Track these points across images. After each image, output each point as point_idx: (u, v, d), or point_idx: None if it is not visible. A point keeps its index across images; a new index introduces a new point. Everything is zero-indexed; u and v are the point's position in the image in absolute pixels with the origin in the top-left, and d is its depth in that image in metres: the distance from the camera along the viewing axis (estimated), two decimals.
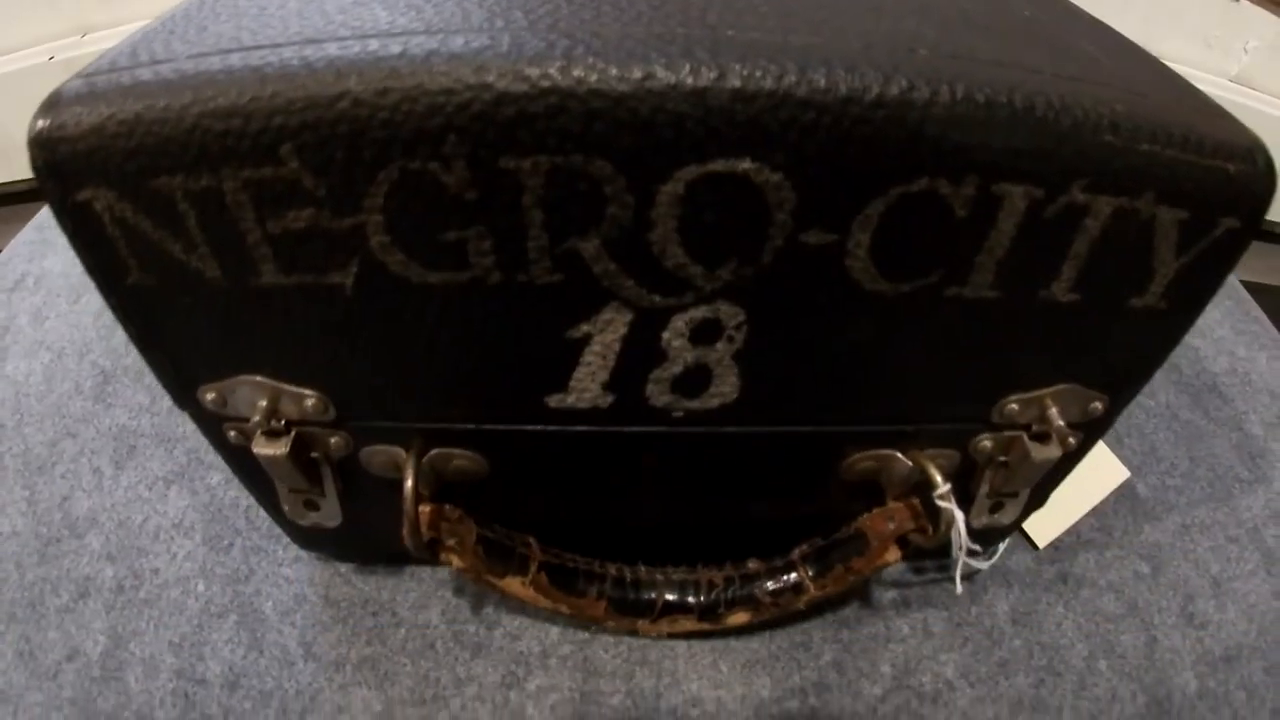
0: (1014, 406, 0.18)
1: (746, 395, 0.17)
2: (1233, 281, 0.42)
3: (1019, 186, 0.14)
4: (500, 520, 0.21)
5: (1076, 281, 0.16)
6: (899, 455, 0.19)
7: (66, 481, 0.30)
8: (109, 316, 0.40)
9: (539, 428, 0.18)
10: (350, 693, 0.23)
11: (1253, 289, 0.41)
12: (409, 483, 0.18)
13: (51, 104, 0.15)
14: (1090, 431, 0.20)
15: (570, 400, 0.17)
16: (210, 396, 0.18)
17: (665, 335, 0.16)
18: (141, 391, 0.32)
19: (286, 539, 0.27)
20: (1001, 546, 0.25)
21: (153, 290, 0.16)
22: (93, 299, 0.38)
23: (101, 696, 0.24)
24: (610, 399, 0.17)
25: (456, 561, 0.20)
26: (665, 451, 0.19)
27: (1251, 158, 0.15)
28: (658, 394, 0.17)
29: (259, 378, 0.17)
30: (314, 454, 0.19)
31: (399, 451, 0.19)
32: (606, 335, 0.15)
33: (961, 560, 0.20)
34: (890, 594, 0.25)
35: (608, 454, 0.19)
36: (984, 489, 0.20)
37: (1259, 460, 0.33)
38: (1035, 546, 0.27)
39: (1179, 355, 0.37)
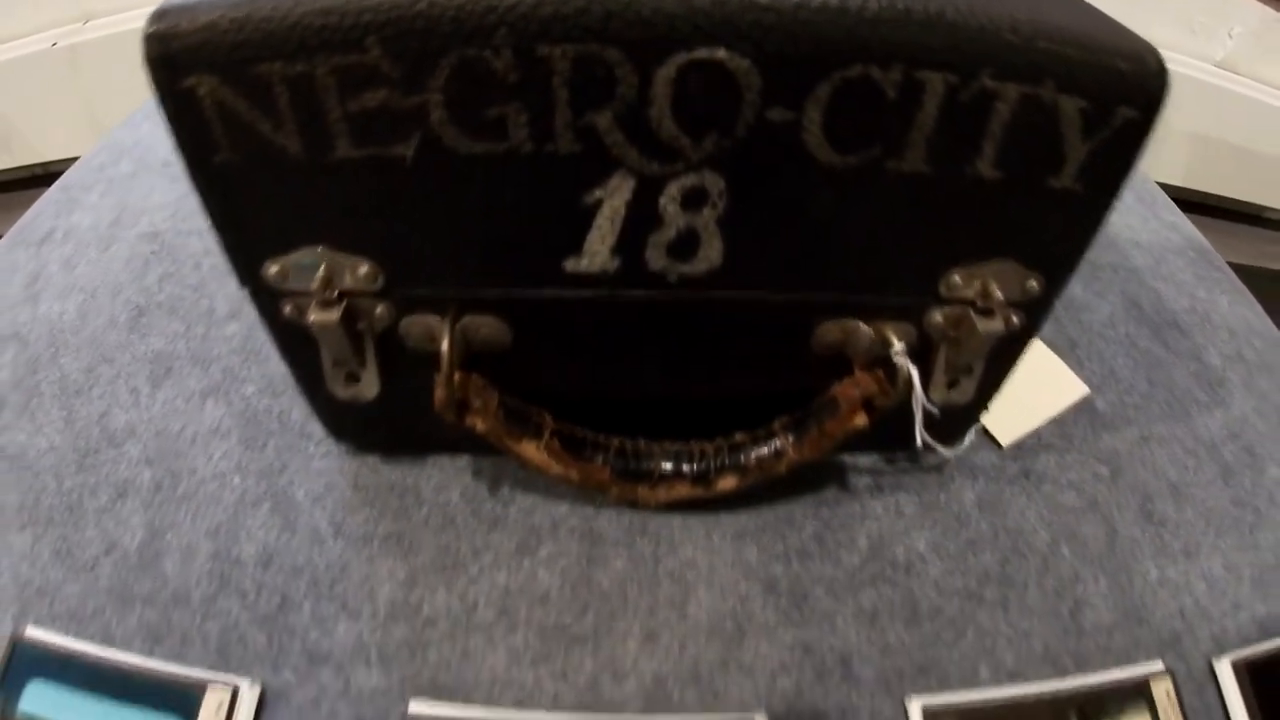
0: (958, 279, 0.23)
1: (729, 261, 0.22)
2: (1196, 234, 0.47)
3: (938, 74, 0.19)
4: (518, 393, 0.25)
5: (997, 160, 0.21)
6: (861, 325, 0.24)
7: (104, 401, 0.35)
8: (140, 260, 0.46)
9: (556, 293, 0.22)
10: (377, 564, 0.27)
11: (1244, 272, 0.46)
12: (445, 343, 0.23)
13: (163, 12, 0.19)
14: (1031, 312, 0.25)
15: (584, 264, 0.22)
16: (273, 270, 0.23)
17: (661, 201, 0.20)
18: (176, 321, 0.37)
19: (318, 437, 0.31)
20: (968, 439, 0.30)
21: (238, 167, 0.20)
22: (122, 247, 0.43)
23: (138, 583, 0.28)
24: (616, 262, 0.21)
25: (480, 425, 0.24)
26: (662, 320, 0.23)
27: (1142, 59, 0.20)
28: (655, 258, 0.21)
29: (320, 248, 0.22)
30: (359, 326, 0.24)
31: (435, 321, 0.23)
32: (615, 200, 0.20)
33: (920, 417, 0.24)
34: (865, 480, 0.30)
35: (613, 322, 0.23)
36: (940, 364, 0.25)
37: (1217, 388, 0.38)
38: (999, 446, 0.32)
39: (1139, 293, 0.42)
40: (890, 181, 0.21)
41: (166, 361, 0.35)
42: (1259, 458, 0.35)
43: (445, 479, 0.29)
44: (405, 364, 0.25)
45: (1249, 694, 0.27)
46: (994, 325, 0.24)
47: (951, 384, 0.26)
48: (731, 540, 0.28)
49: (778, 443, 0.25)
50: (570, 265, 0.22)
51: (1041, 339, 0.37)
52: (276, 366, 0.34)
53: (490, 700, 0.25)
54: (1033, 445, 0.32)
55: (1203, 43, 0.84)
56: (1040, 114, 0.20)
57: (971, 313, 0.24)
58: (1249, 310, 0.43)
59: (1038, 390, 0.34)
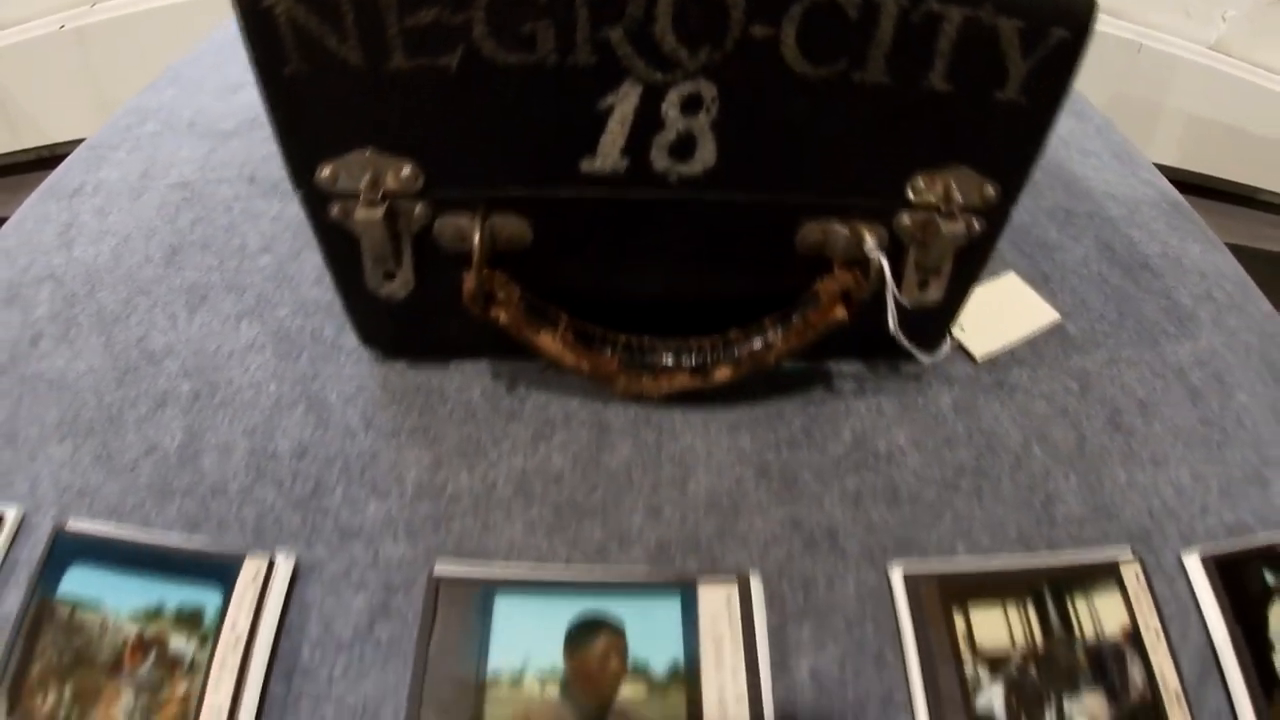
0: (921, 184, 0.28)
1: (721, 162, 0.27)
2: (1172, 190, 0.53)
3: None
4: (537, 291, 0.30)
5: (948, 74, 0.26)
6: (838, 225, 0.29)
7: (141, 326, 0.39)
8: (171, 207, 0.51)
9: (573, 192, 0.27)
10: (404, 452, 0.32)
11: (1238, 252, 0.51)
12: (475, 237, 0.28)
13: None
14: (990, 218, 0.30)
15: (598, 164, 0.27)
16: (325, 173, 0.28)
17: (664, 106, 0.26)
18: (210, 256, 0.42)
19: (348, 348, 0.36)
20: (943, 350, 0.35)
21: (304, 77, 0.26)
22: (153, 196, 0.48)
23: (177, 478, 0.33)
24: (625, 163, 0.27)
25: (503, 316, 0.29)
26: (664, 220, 0.29)
27: None
28: (659, 159, 0.27)
29: (368, 152, 0.27)
30: (399, 225, 0.29)
31: (466, 220, 0.28)
32: (624, 106, 0.25)
33: (893, 307, 0.29)
34: (850, 384, 0.35)
35: (621, 222, 0.29)
36: (910, 265, 0.30)
37: (1186, 322, 0.43)
38: (973, 359, 0.37)
39: (1113, 238, 0.48)
40: (856, 91, 0.26)
41: (201, 291, 0.40)
42: (1228, 385, 0.40)
43: (467, 380, 0.34)
44: (437, 263, 0.30)
45: (1218, 587, 0.32)
46: (956, 228, 0.29)
47: (922, 284, 0.31)
48: (728, 431, 0.33)
49: (767, 336, 0.30)
50: (586, 165, 0.27)
51: (1016, 273, 0.43)
52: (308, 291, 0.40)
53: (509, 583, 0.29)
54: (1006, 361, 0.37)
55: (1197, 26, 0.92)
56: (983, 33, 0.26)
57: (936, 216, 0.29)
58: (1220, 257, 0.48)
59: (1011, 315, 0.39)
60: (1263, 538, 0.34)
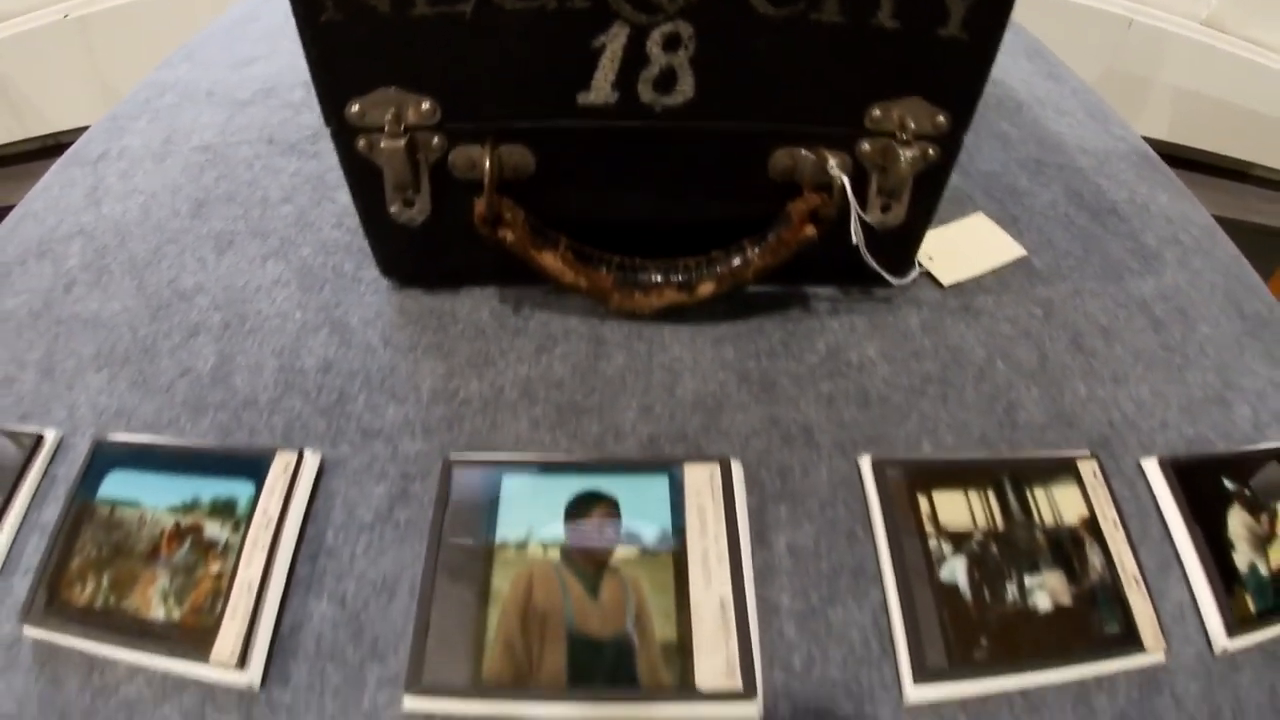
0: (878, 113, 0.34)
1: (699, 94, 0.33)
2: (1143, 144, 0.59)
3: None
4: (539, 216, 0.36)
5: (895, 13, 0.32)
6: (805, 151, 0.35)
7: (172, 270, 0.46)
8: (195, 167, 0.59)
9: (571, 123, 0.33)
10: (420, 365, 0.38)
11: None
12: (486, 163, 0.34)
13: None
14: (944, 146, 0.36)
15: (592, 97, 0.33)
16: (354, 109, 0.34)
17: (648, 44, 0.32)
18: (235, 207, 0.48)
19: (368, 280, 0.42)
20: (912, 275, 0.40)
21: (338, 24, 0.32)
22: (176, 159, 0.55)
23: (210, 394, 0.39)
24: (615, 96, 0.33)
25: (510, 236, 0.35)
26: (651, 148, 0.35)
27: None
28: (644, 92, 0.33)
29: (392, 89, 0.33)
30: (418, 156, 0.35)
31: (477, 151, 0.34)
32: (614, 45, 0.32)
33: (857, 224, 0.35)
34: (825, 305, 0.40)
35: (613, 150, 0.35)
36: (873, 189, 0.36)
37: (1151, 260, 0.49)
38: (941, 286, 0.42)
39: (1082, 186, 0.53)
40: (814, 29, 0.32)
41: (228, 237, 0.46)
42: (1191, 318, 0.46)
43: (476, 304, 0.40)
44: (451, 191, 0.36)
45: (1177, 490, 0.37)
46: (912, 153, 0.35)
47: (885, 208, 0.37)
48: (712, 344, 0.38)
49: (746, 254, 0.36)
50: (582, 99, 0.33)
51: (985, 215, 0.49)
52: (329, 234, 0.46)
53: (515, 463, 0.35)
54: (972, 289, 0.43)
55: (1189, 1, 0.99)
56: None
57: (893, 143, 0.35)
58: (1189, 205, 0.54)
59: (978, 249, 0.45)
60: (1221, 448, 0.40)
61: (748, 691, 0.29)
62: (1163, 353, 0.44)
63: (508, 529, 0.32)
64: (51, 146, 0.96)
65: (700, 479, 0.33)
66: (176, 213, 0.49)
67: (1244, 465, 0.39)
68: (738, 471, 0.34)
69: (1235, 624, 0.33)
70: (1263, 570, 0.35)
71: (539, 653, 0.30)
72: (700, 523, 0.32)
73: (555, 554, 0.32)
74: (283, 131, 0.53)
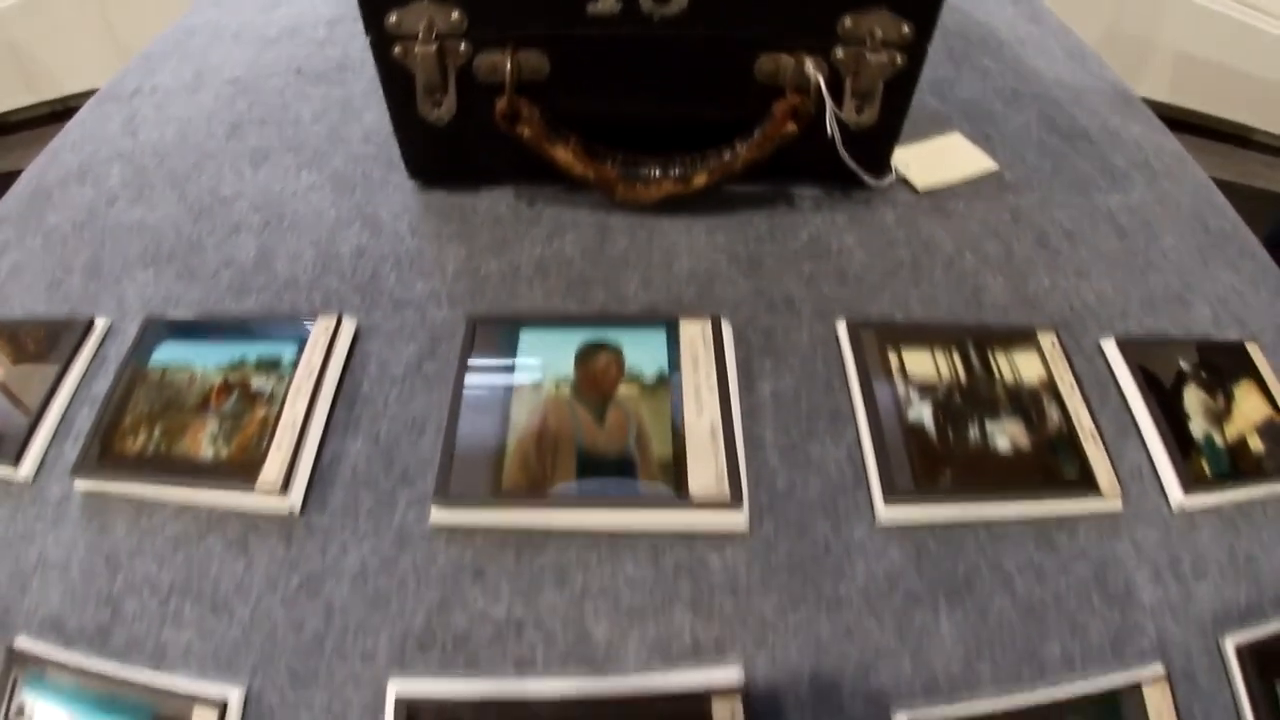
0: (849, 23, 0.43)
1: (691, 5, 0.42)
2: (1122, 82, 0.68)
3: None
4: (553, 114, 0.44)
5: None
6: (786, 57, 0.43)
7: (212, 180, 0.54)
8: (227, 97, 0.69)
9: (582, 31, 0.42)
10: (445, 249, 0.46)
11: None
12: (507, 67, 0.42)
13: None
14: (909, 53, 0.44)
15: (599, 7, 0.42)
16: (392, 19, 0.43)
17: None
18: (269, 128, 0.57)
19: (396, 182, 0.51)
20: (888, 178, 0.49)
21: None
22: (208, 91, 0.64)
23: (253, 279, 0.47)
24: (619, 6, 0.42)
25: (527, 131, 0.44)
26: (651, 53, 0.43)
27: None
28: (645, 3, 0.42)
29: (426, 1, 0.42)
30: (446, 61, 0.43)
31: (498, 56, 0.43)
32: None
33: (833, 121, 0.43)
34: (808, 203, 0.49)
35: (617, 54, 0.43)
36: (848, 91, 0.44)
37: (1120, 179, 0.57)
38: (916, 190, 0.50)
39: (1055, 114, 0.62)
40: None
41: (264, 153, 0.55)
42: (1156, 230, 0.54)
43: (494, 200, 0.49)
44: (475, 93, 0.45)
45: (1135, 367, 0.45)
46: (881, 59, 0.44)
47: (859, 109, 0.45)
48: (706, 231, 0.47)
49: (735, 148, 0.45)
50: (590, 8, 0.42)
51: (960, 134, 0.57)
52: (358, 148, 0.55)
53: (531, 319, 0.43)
54: (946, 194, 0.52)
55: None
56: None
57: (864, 50, 0.44)
58: (1163, 137, 0.62)
59: (952, 161, 0.53)
60: (1177, 336, 0.47)
61: (735, 501, 0.37)
62: (1126, 256, 0.52)
63: (525, 372, 0.40)
64: (61, 111, 1.06)
65: (694, 331, 0.41)
66: (212, 135, 0.58)
67: (1201, 351, 0.46)
68: (727, 329, 0.42)
69: (1191, 482, 0.40)
70: (1218, 441, 0.43)
71: (552, 468, 0.37)
72: (694, 364, 0.40)
73: (567, 390, 0.40)
74: (310, 63, 0.62)
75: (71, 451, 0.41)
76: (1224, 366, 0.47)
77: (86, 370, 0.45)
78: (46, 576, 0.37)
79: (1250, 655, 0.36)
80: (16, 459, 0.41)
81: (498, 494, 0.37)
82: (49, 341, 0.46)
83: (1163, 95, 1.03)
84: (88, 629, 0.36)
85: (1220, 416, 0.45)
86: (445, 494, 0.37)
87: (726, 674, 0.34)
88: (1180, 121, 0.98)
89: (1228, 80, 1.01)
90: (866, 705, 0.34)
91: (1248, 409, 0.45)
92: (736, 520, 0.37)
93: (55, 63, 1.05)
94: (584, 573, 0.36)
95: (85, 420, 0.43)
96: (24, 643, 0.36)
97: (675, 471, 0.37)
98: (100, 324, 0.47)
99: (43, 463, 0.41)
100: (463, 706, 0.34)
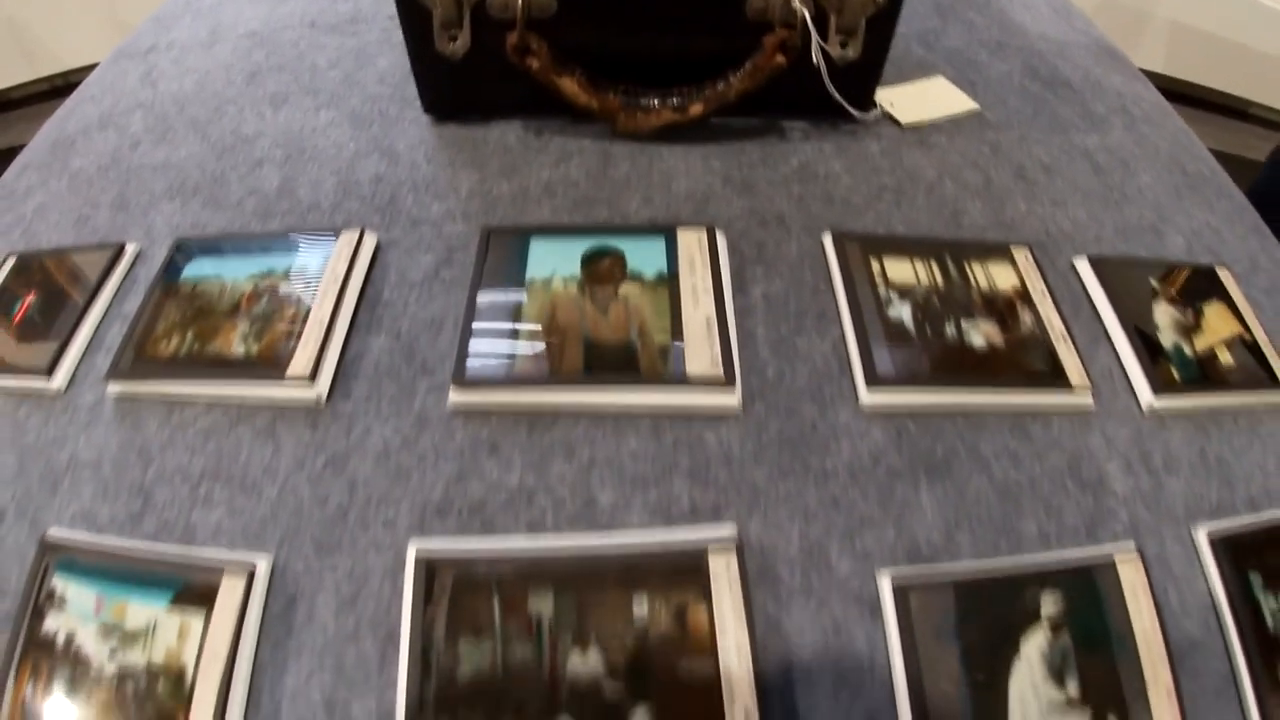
0: None
1: None
2: (1106, 37, 0.75)
3: None
4: (559, 49, 0.51)
5: None
6: None
7: (233, 121, 0.61)
8: (244, 50, 0.77)
9: None
10: (458, 174, 0.53)
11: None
12: (520, 1, 0.49)
13: None
14: None
15: None
16: None
17: None
18: (286, 74, 0.64)
19: (410, 118, 0.57)
20: (874, 113, 0.55)
21: None
22: (225, 45, 0.71)
23: (277, 205, 0.54)
24: None
25: (535, 63, 0.50)
26: None
27: None
28: None
29: None
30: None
31: None
32: None
33: (818, 52, 0.50)
34: (798, 133, 0.56)
35: None
36: (832, 27, 0.51)
37: (1099, 123, 0.64)
38: (900, 125, 0.57)
39: (1038, 64, 0.69)
40: None
41: (283, 96, 0.62)
42: (1132, 169, 0.61)
43: (504, 131, 0.56)
44: (487, 28, 0.52)
45: (1106, 282, 0.51)
46: None
47: (843, 44, 0.52)
48: (702, 158, 0.54)
49: (728, 79, 0.51)
50: None
51: (944, 78, 0.64)
52: (374, 89, 0.61)
53: (541, 229, 0.49)
54: (929, 130, 0.58)
55: None
56: None
57: None
58: (1143, 87, 0.70)
59: (936, 101, 0.60)
60: (1149, 258, 0.53)
61: (728, 380, 0.42)
62: (1102, 189, 0.58)
63: (535, 272, 0.47)
64: (62, 87, 1.14)
65: (691, 240, 0.48)
66: (231, 82, 0.65)
67: (1170, 271, 0.53)
68: (722, 238, 0.49)
69: (1161, 386, 0.47)
70: (1187, 351, 0.49)
71: (560, 357, 0.43)
72: (690, 268, 0.46)
73: (574, 287, 0.46)
74: (323, 17, 0.69)
75: (104, 363, 0.47)
76: (1195, 286, 0.53)
77: (118, 291, 0.52)
78: (78, 475, 0.43)
79: (1224, 545, 0.40)
80: (50, 371, 0.47)
81: (511, 375, 0.43)
82: (80, 266, 0.52)
83: (1159, 67, 1.10)
84: (119, 517, 0.41)
85: (1190, 330, 0.51)
86: (462, 376, 0.43)
87: (722, 530, 0.40)
88: (1176, 93, 1.06)
89: (1225, 52, 1.09)
90: (853, 564, 0.39)
91: (1217, 325, 0.51)
92: (730, 400, 0.43)
93: (56, 38, 1.13)
94: (590, 447, 0.42)
95: (116, 336, 0.49)
96: (56, 532, 0.40)
97: (674, 356, 0.44)
98: (130, 249, 0.53)
99: (74, 375, 0.47)
100: (479, 562, 0.39)
